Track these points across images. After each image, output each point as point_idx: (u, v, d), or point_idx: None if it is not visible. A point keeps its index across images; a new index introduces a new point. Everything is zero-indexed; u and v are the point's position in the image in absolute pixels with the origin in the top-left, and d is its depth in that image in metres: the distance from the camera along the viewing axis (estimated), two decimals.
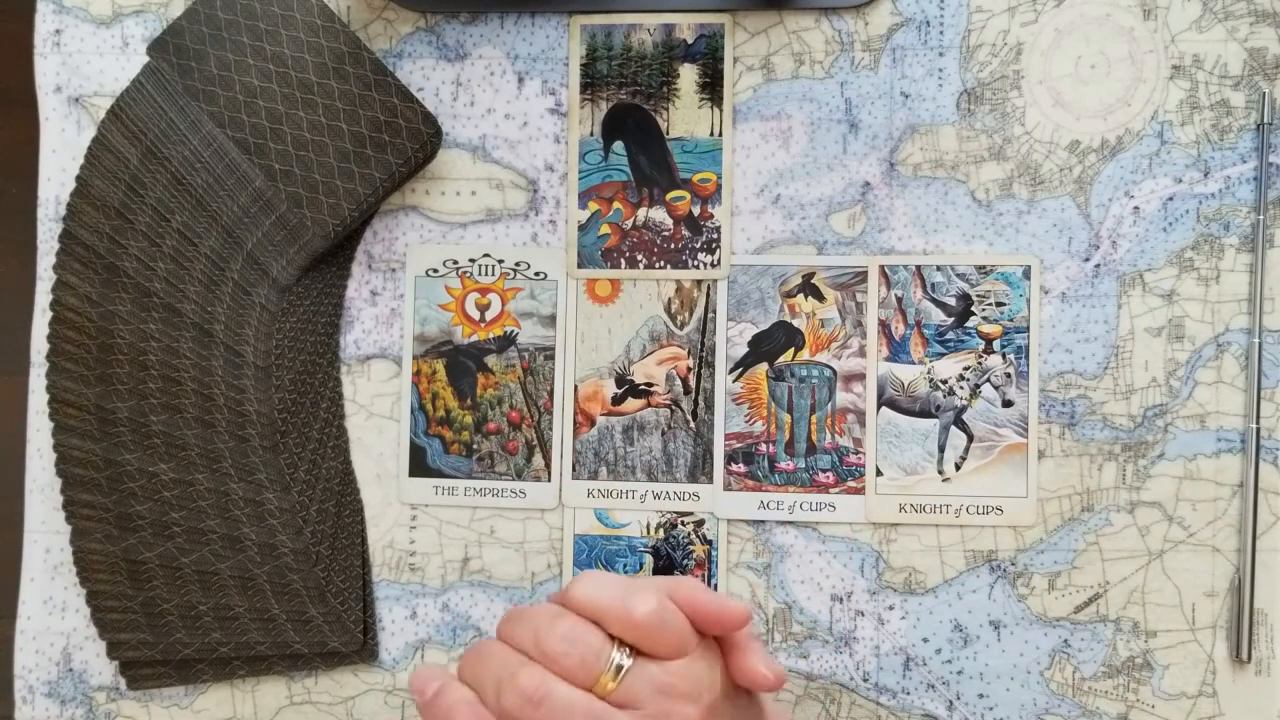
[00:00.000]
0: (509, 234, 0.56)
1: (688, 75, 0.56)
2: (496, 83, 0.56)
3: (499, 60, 0.56)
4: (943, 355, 0.55)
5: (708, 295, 0.56)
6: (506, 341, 0.56)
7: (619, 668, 0.38)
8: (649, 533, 0.55)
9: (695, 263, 0.56)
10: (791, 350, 0.55)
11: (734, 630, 0.40)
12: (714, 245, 0.56)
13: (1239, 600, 0.53)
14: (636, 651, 0.39)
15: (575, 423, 0.56)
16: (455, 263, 0.56)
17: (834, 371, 0.55)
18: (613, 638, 0.39)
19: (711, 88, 0.56)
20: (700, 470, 0.55)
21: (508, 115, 0.56)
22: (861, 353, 0.55)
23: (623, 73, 0.56)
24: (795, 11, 0.55)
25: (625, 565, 0.55)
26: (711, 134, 0.56)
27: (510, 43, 0.56)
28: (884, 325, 0.55)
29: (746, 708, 0.41)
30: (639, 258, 0.56)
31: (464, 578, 0.56)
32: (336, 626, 0.55)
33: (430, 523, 0.56)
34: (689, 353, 0.56)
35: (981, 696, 0.54)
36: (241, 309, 0.55)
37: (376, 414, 0.56)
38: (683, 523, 0.55)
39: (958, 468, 0.54)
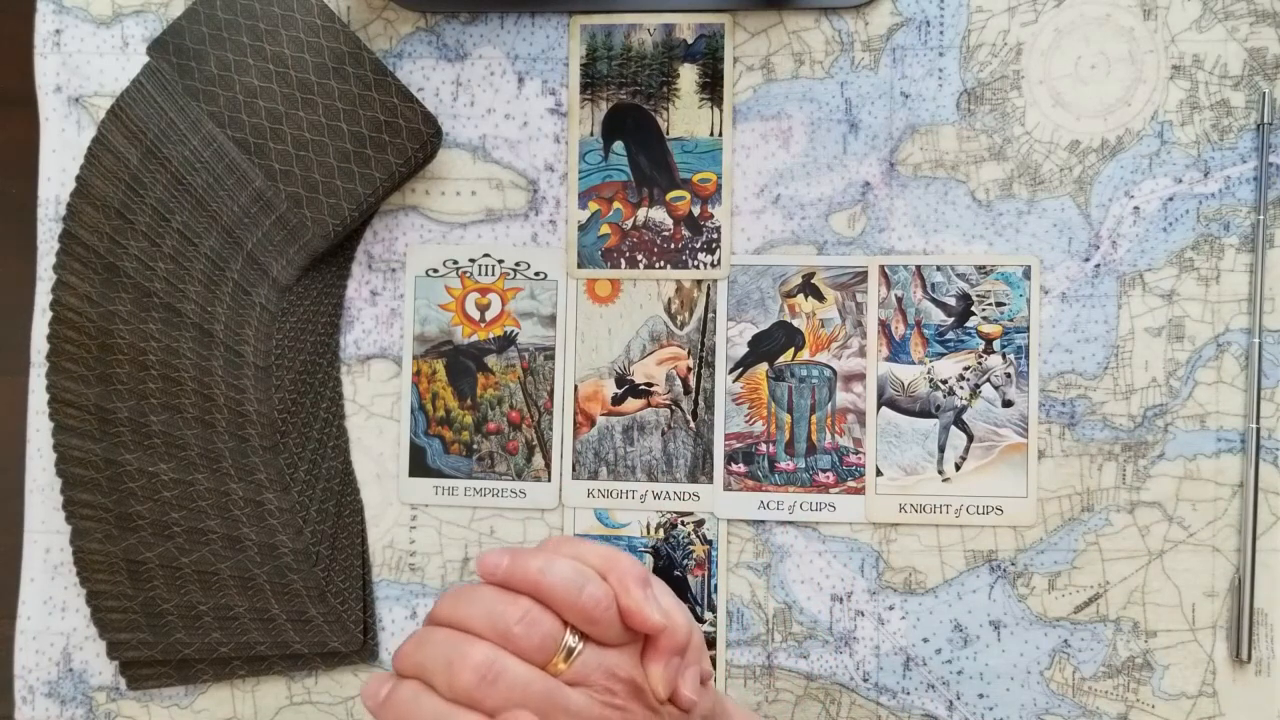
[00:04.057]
0: (509, 234, 0.56)
1: (688, 75, 0.56)
2: (496, 83, 0.56)
3: (499, 60, 0.56)
4: (943, 355, 0.55)
5: (708, 295, 0.56)
6: (506, 341, 0.56)
7: (570, 650, 0.39)
8: (649, 533, 0.55)
9: (695, 263, 0.56)
10: (791, 350, 0.55)
11: (645, 631, 0.41)
12: (714, 245, 0.56)
13: (1239, 600, 0.53)
14: (584, 636, 0.39)
15: (575, 423, 0.56)
16: (455, 263, 0.56)
17: (834, 371, 0.55)
18: (564, 621, 0.39)
19: (711, 88, 0.56)
20: (700, 470, 0.55)
21: (508, 115, 0.56)
22: (861, 353, 0.55)
23: (623, 73, 0.56)
24: (795, 11, 0.55)
25: None
26: (711, 134, 0.56)
27: (510, 43, 0.56)
28: (884, 325, 0.55)
29: (679, 715, 0.41)
30: (639, 258, 0.56)
31: (464, 578, 0.56)
32: (336, 626, 0.55)
33: (430, 523, 0.56)
34: (689, 353, 0.56)
35: (981, 696, 0.54)
36: (241, 309, 0.55)
37: (376, 414, 0.56)
38: (683, 523, 0.55)
39: (958, 468, 0.54)
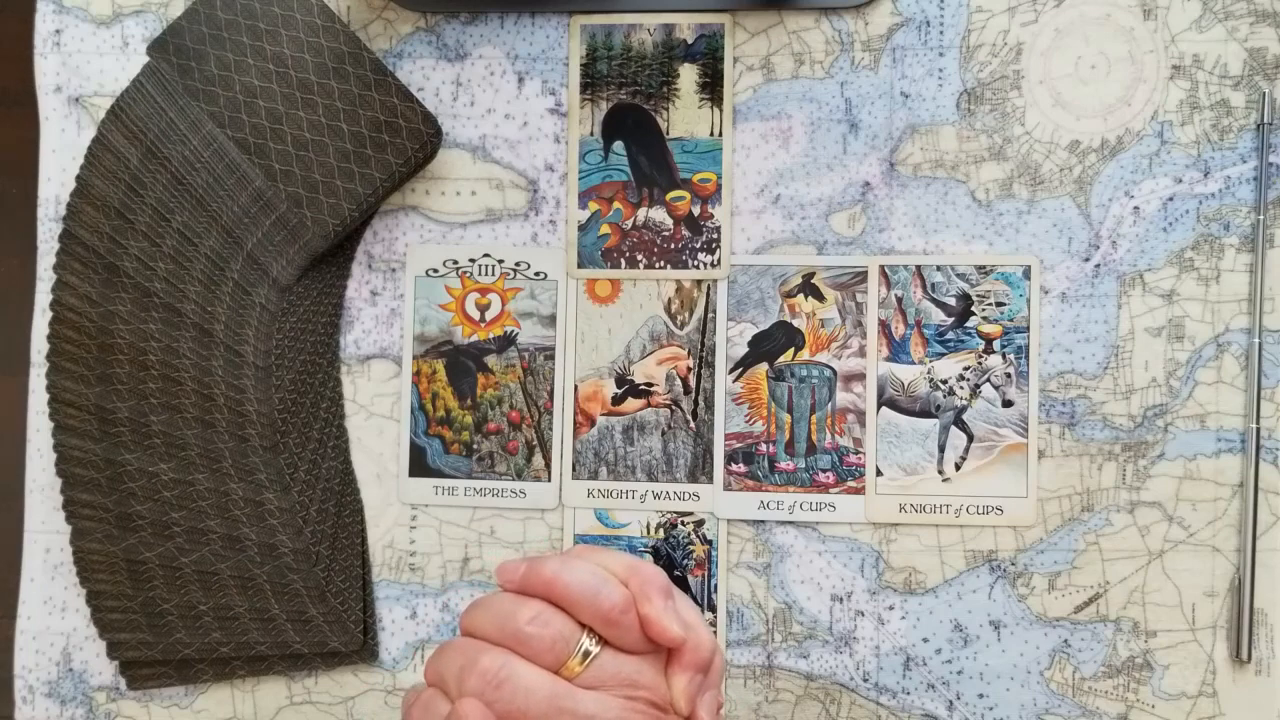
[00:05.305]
0: (509, 234, 0.56)
1: (688, 75, 0.56)
2: (496, 83, 0.56)
3: (499, 60, 0.56)
4: (943, 355, 0.55)
5: (708, 295, 0.56)
6: (506, 341, 0.56)
7: (587, 653, 0.39)
8: (649, 533, 0.55)
9: (695, 263, 0.56)
10: (791, 350, 0.55)
11: (662, 642, 0.40)
12: (714, 245, 0.56)
13: (1239, 600, 0.53)
14: (603, 641, 0.39)
15: (575, 423, 0.56)
16: (455, 263, 0.56)
17: (834, 371, 0.55)
18: (581, 624, 0.39)
19: (711, 88, 0.56)
20: (700, 470, 0.55)
21: (508, 115, 0.56)
22: (861, 353, 0.55)
23: (623, 73, 0.56)
24: (795, 11, 0.55)
25: None
26: (711, 134, 0.56)
27: (510, 43, 0.56)
28: (884, 325, 0.55)
29: None
30: (639, 258, 0.56)
31: (464, 578, 0.56)
32: (336, 626, 0.55)
33: (430, 523, 0.56)
34: (689, 353, 0.56)
35: (981, 696, 0.54)
36: (241, 309, 0.55)
37: (376, 414, 0.56)
38: (683, 523, 0.55)
39: (958, 468, 0.54)
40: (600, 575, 0.40)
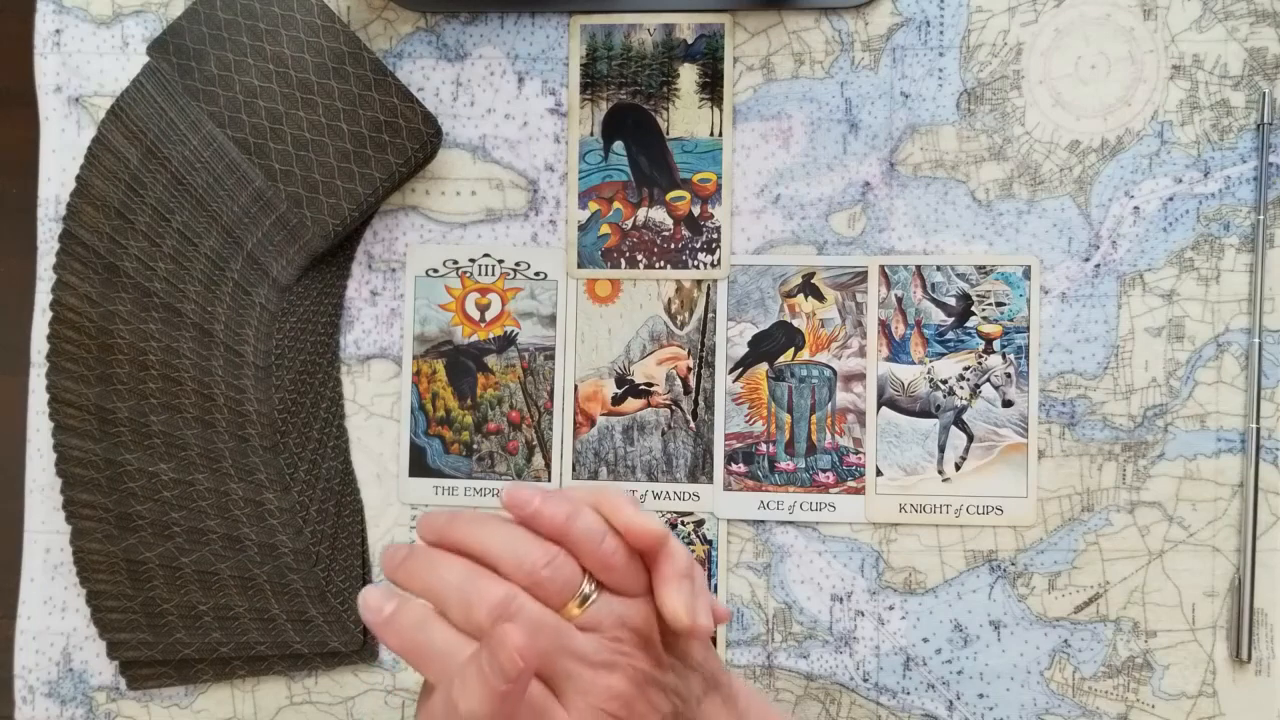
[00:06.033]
0: (509, 234, 0.56)
1: (688, 75, 0.56)
2: (496, 83, 0.56)
3: (499, 60, 0.56)
4: (943, 355, 0.55)
5: (708, 295, 0.56)
6: (506, 341, 0.56)
7: (585, 596, 0.39)
8: None
9: (695, 263, 0.56)
10: (791, 350, 0.55)
11: (644, 546, 0.41)
12: (714, 245, 0.56)
13: (1239, 600, 0.53)
14: (599, 585, 0.40)
15: (575, 423, 0.56)
16: (455, 263, 0.56)
17: (834, 371, 0.55)
18: (583, 569, 0.40)
19: (711, 88, 0.56)
20: (700, 470, 0.55)
21: (508, 115, 0.56)
22: (861, 353, 0.55)
23: (623, 73, 0.56)
24: (795, 11, 0.55)
25: None
26: (711, 134, 0.56)
27: (510, 43, 0.56)
28: (884, 325, 0.55)
29: (684, 671, 0.41)
30: (639, 258, 0.56)
31: None
32: (336, 626, 0.55)
33: None
34: (689, 353, 0.56)
35: (981, 696, 0.54)
36: (241, 309, 0.55)
37: (376, 414, 0.56)
38: (683, 523, 0.55)
39: (958, 468, 0.54)
40: (602, 525, 0.40)
